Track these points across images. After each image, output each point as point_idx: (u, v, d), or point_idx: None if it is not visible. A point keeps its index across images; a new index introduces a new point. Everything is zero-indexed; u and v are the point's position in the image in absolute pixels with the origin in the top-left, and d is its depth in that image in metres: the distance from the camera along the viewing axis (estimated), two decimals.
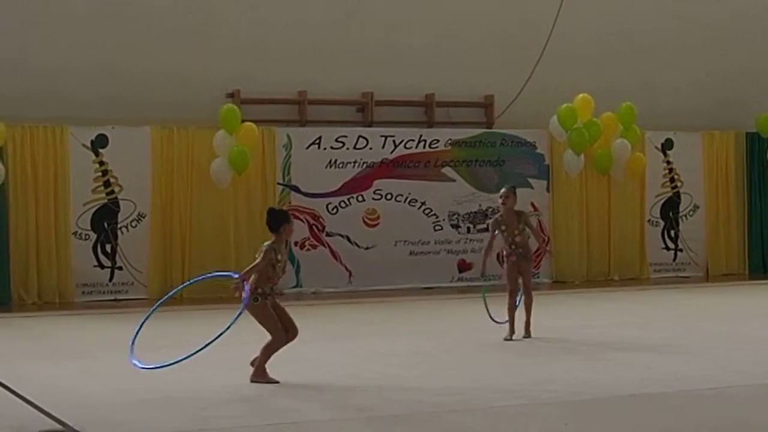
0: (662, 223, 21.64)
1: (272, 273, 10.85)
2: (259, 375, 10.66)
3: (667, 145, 21.71)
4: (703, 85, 22.55)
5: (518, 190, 20.15)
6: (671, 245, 21.67)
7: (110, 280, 18.40)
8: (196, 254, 18.70)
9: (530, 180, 20.62)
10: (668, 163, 21.77)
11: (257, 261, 10.76)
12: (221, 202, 18.80)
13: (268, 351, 10.77)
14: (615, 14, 21.96)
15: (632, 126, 20.65)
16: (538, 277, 20.51)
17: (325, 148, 19.50)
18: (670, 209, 21.67)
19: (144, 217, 18.53)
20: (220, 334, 10.13)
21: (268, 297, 10.91)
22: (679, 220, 21.73)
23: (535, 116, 20.55)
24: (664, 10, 22.34)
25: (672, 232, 21.69)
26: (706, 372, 10.88)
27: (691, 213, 21.71)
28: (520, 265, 13.53)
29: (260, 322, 10.92)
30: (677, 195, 21.77)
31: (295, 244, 19.27)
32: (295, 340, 10.89)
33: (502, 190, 13.79)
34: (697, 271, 21.78)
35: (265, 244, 10.88)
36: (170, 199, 18.63)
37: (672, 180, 21.76)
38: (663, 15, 22.33)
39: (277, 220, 10.97)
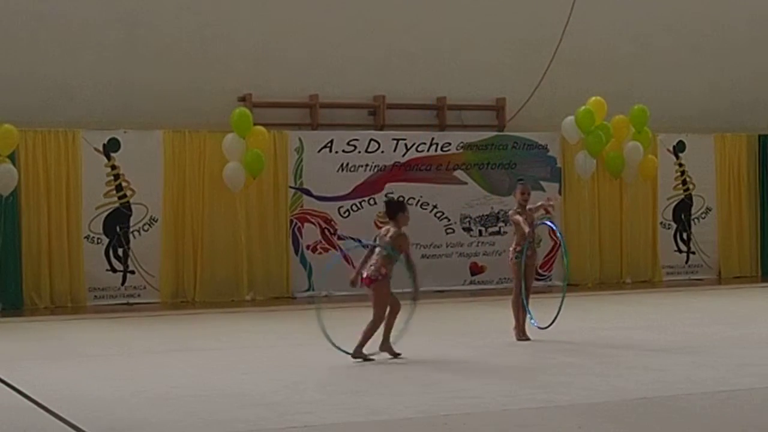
0: (674, 226, 21.60)
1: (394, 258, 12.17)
2: (359, 353, 11.98)
3: (679, 148, 21.67)
4: (715, 87, 22.52)
5: (531, 193, 20.41)
6: (683, 248, 21.62)
7: (122, 284, 18.41)
8: (208, 258, 18.70)
9: (542, 183, 20.58)
10: (680, 165, 21.73)
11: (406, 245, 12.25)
12: (233, 205, 18.80)
13: (369, 331, 12.09)
14: (626, 17, 21.94)
15: (644, 128, 20.63)
16: (550, 280, 20.53)
17: (336, 152, 19.49)
18: (683, 212, 21.63)
19: (156, 221, 18.54)
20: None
21: (390, 279, 12.22)
22: (692, 222, 21.68)
23: (546, 119, 20.55)
24: (675, 13, 22.30)
25: (684, 235, 21.65)
26: (719, 374, 10.86)
27: (703, 215, 21.66)
28: (534, 260, 13.59)
29: (376, 301, 12.16)
30: (689, 197, 21.72)
31: (307, 247, 19.28)
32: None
33: (521, 184, 13.72)
34: (710, 274, 21.74)
35: (391, 231, 12.29)
36: (182, 203, 18.64)
37: (684, 182, 21.72)
38: (674, 17, 22.30)
39: (393, 209, 12.40)
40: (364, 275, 12.31)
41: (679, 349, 12.61)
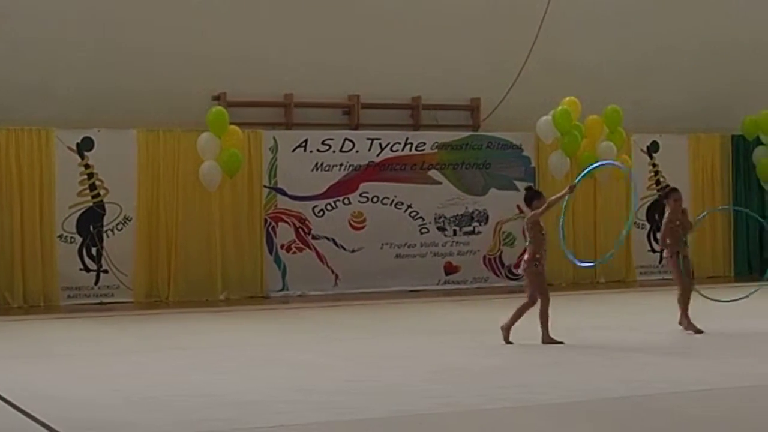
0: (648, 226, 21.67)
1: (544, 241, 13.08)
2: (548, 340, 12.80)
3: (652, 148, 21.75)
4: (689, 87, 22.60)
5: (504, 193, 20.51)
6: (657, 247, 21.68)
7: (96, 283, 18.34)
8: (182, 257, 18.66)
9: (516, 182, 20.63)
10: (654, 165, 21.81)
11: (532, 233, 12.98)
12: (207, 204, 18.77)
13: (544, 316, 12.83)
14: (601, 18, 21.98)
15: (618, 129, 20.69)
16: (523, 280, 20.54)
17: (311, 151, 19.48)
18: (656, 211, 21.67)
19: (130, 221, 18.49)
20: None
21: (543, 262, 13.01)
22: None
23: (521, 119, 20.57)
24: (650, 14, 22.37)
25: (658, 235, 21.65)
26: (695, 373, 10.90)
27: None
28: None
29: (530, 286, 13.01)
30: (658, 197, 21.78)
31: (282, 247, 19.27)
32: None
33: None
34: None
35: (527, 218, 13.15)
36: (156, 202, 18.59)
37: (658, 182, 21.78)
38: (649, 19, 22.36)
39: (529, 196, 13.32)
40: (519, 266, 13.51)
41: (654, 349, 12.66)
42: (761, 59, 23.29)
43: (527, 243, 13.17)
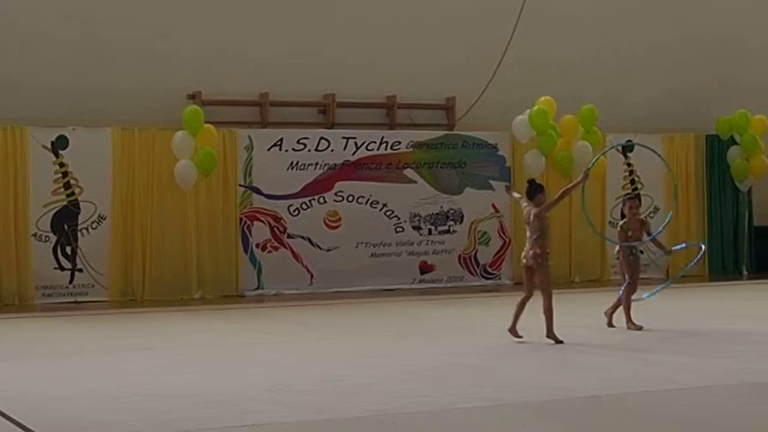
0: None
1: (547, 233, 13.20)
2: (552, 336, 12.85)
3: (627, 148, 21.81)
4: (664, 88, 22.68)
5: (480, 192, 20.54)
6: None
7: (70, 282, 18.29)
8: (156, 256, 18.63)
9: (491, 182, 20.67)
10: (629, 165, 21.88)
11: (542, 227, 12.99)
12: (182, 203, 18.74)
13: (550, 311, 12.90)
14: (576, 17, 22.03)
15: (593, 128, 20.76)
16: (499, 278, 20.62)
17: (286, 150, 19.46)
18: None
19: (104, 219, 18.44)
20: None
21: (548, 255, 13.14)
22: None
23: (496, 118, 20.60)
24: (625, 15, 22.44)
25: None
26: (667, 372, 10.94)
27: (651, 215, 21.78)
28: None
29: (543, 280, 13.00)
30: (638, 197, 21.81)
31: (257, 246, 19.25)
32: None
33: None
34: (658, 273, 21.87)
35: (533, 211, 13.00)
36: (131, 201, 18.55)
37: (632, 182, 21.86)
38: (624, 20, 22.43)
39: (533, 190, 13.19)
40: (524, 263, 13.15)
41: (627, 348, 12.70)
42: (735, 60, 23.39)
43: (534, 237, 13.04)
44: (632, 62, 22.52)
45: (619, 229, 14.38)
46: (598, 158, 14.41)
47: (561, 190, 13.54)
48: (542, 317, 13.01)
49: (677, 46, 22.81)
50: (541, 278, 13.16)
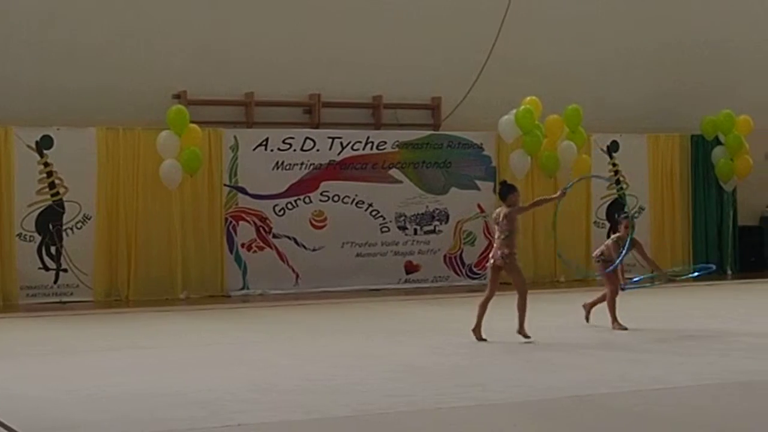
0: (608, 225, 21.75)
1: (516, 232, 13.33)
2: (523, 332, 13.01)
3: (612, 148, 21.85)
4: (649, 88, 22.74)
5: (465, 192, 20.55)
6: None
7: (55, 282, 18.24)
8: (141, 256, 18.59)
9: (477, 182, 20.69)
10: (614, 165, 21.91)
11: (511, 227, 13.12)
12: (168, 203, 18.70)
13: (523, 308, 13.05)
14: (562, 18, 22.07)
15: (578, 128, 20.78)
16: (484, 279, 20.60)
17: (272, 150, 19.44)
18: (616, 211, 21.75)
19: (89, 219, 18.40)
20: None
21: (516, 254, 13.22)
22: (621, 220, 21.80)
23: (482, 118, 20.62)
24: (611, 15, 22.48)
25: (614, 234, 21.75)
26: (652, 372, 10.95)
27: (636, 214, 21.84)
28: None
29: (516, 279, 13.20)
30: (622, 197, 21.89)
31: (242, 245, 19.23)
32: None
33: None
34: (643, 272, 21.87)
35: (504, 212, 13.17)
36: (116, 201, 18.51)
37: (618, 182, 21.89)
38: (609, 20, 22.47)
39: (504, 190, 13.39)
40: (492, 262, 13.23)
41: (612, 347, 12.72)
42: (720, 60, 23.47)
43: (503, 236, 13.14)
44: (617, 63, 22.56)
45: (612, 242, 14.48)
46: (575, 182, 14.41)
47: (536, 199, 13.77)
48: (517, 314, 13.12)
49: (662, 48, 22.87)
50: (513, 277, 13.28)
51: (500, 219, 13.24)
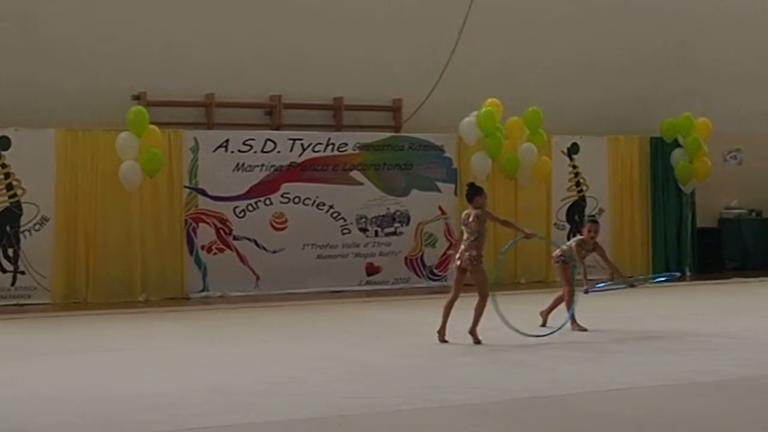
0: (568, 227, 21.82)
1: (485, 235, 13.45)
2: (474, 333, 13.08)
3: (573, 150, 21.92)
4: (609, 90, 22.83)
5: (426, 194, 20.56)
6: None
7: (12, 284, 18.09)
8: (100, 258, 18.48)
9: (438, 184, 20.70)
10: (574, 167, 21.98)
11: (480, 229, 13.22)
12: (127, 205, 18.60)
13: (480, 311, 13.12)
14: (522, 21, 22.13)
15: (539, 130, 20.84)
16: (445, 280, 20.62)
17: (232, 151, 19.38)
18: (576, 213, 21.87)
19: (47, 221, 18.27)
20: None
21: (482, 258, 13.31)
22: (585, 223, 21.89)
23: (443, 120, 20.64)
24: (571, 18, 22.56)
25: (578, 235, 21.82)
26: (610, 373, 11.00)
27: (597, 216, 21.91)
28: None
29: (479, 282, 13.25)
30: (583, 199, 21.98)
31: (202, 247, 19.16)
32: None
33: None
34: (603, 274, 21.95)
35: (472, 213, 13.23)
36: (75, 203, 18.39)
37: (578, 184, 21.96)
38: (570, 22, 22.55)
39: (471, 192, 13.47)
40: (458, 264, 13.23)
41: (571, 348, 12.76)
42: (679, 63, 23.61)
43: (471, 239, 13.19)
44: (577, 66, 22.64)
45: (575, 244, 14.54)
46: (530, 238, 14.33)
47: (509, 220, 13.88)
48: (474, 314, 13.17)
49: (622, 51, 22.99)
50: (477, 280, 13.31)
51: (469, 220, 13.26)
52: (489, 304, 13.22)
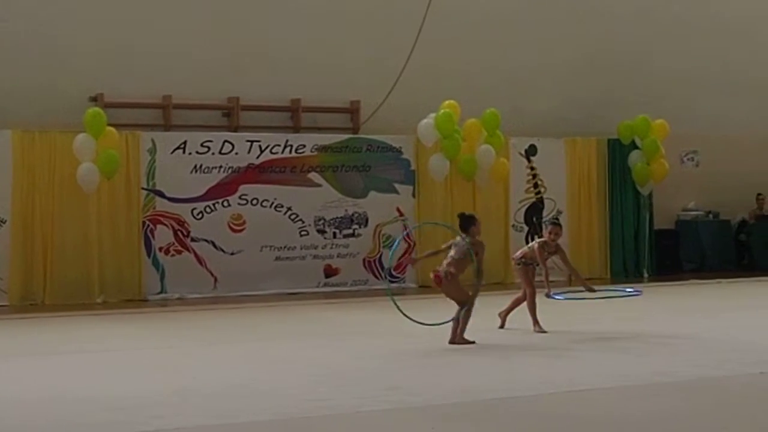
0: (526, 228, 21.90)
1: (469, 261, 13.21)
2: (461, 340, 12.98)
3: (530, 151, 22.00)
4: (567, 92, 22.95)
5: (384, 196, 20.59)
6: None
7: None
8: (58, 260, 18.39)
9: (396, 185, 20.73)
10: (532, 169, 22.06)
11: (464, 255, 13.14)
12: (84, 207, 18.52)
13: (467, 317, 13.06)
14: (480, 23, 22.20)
15: (496, 132, 20.90)
16: (403, 282, 20.65)
17: (190, 153, 19.34)
18: (534, 214, 21.95)
19: (4, 223, 18.17)
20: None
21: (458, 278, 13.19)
22: (543, 225, 21.98)
23: (400, 122, 20.67)
24: (528, 20, 22.65)
25: (535, 237, 21.85)
26: (572, 374, 11.02)
27: (555, 218, 21.98)
28: None
29: (457, 294, 13.14)
30: (541, 200, 22.06)
31: (160, 249, 19.10)
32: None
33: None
34: (561, 276, 22.05)
35: (470, 240, 13.23)
36: (32, 204, 18.29)
37: (535, 186, 22.04)
38: (527, 25, 22.64)
39: (466, 222, 13.39)
40: (437, 272, 13.08)
41: (532, 349, 12.78)
42: (636, 66, 23.75)
43: (456, 257, 13.13)
44: (535, 68, 22.75)
45: (537, 246, 14.57)
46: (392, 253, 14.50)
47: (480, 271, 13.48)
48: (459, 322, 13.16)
49: (579, 54, 23.16)
50: (452, 295, 13.23)
51: (461, 244, 13.20)
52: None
